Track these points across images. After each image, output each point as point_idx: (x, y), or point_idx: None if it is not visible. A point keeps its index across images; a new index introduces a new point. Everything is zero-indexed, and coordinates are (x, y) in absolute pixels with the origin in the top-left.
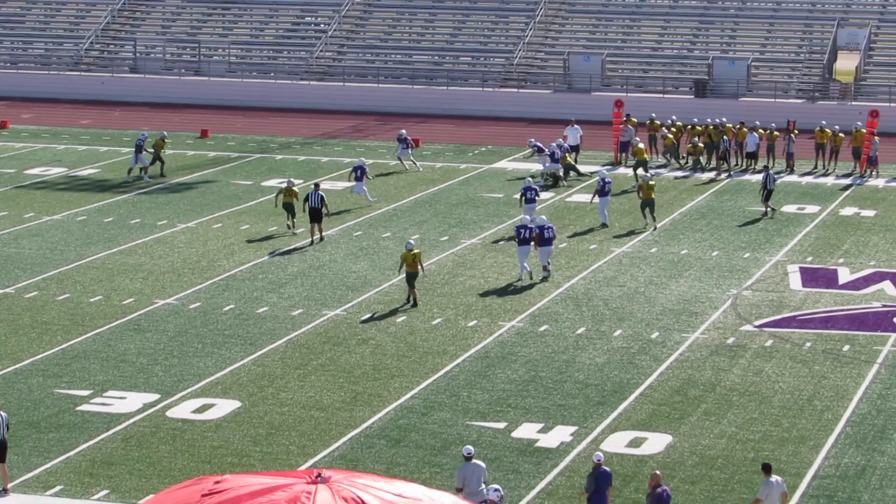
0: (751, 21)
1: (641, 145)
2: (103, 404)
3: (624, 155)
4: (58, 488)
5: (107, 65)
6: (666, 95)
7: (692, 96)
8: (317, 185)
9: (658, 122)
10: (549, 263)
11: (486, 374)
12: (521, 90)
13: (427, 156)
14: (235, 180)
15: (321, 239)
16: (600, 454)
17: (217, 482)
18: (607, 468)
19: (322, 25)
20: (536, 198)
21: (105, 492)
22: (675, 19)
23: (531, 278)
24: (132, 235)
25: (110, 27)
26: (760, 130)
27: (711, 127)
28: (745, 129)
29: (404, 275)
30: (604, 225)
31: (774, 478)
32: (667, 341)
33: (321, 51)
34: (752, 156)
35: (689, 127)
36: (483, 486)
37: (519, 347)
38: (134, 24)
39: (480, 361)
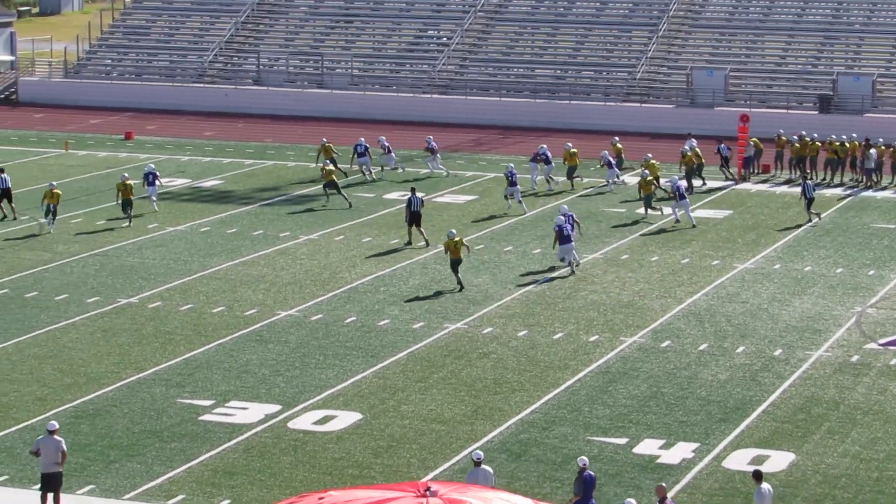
0: (876, 36)
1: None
2: (225, 414)
3: (748, 171)
4: (180, 497)
5: (230, 77)
6: (790, 111)
7: (816, 112)
8: (413, 190)
9: (784, 138)
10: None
11: (607, 390)
12: (643, 104)
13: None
14: (358, 193)
15: (427, 244)
16: (585, 458)
17: (321, 498)
18: (592, 472)
19: (444, 39)
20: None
21: (227, 501)
22: (799, 34)
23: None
24: (255, 247)
25: (234, 39)
26: (882, 147)
27: (837, 143)
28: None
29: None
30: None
31: (765, 486)
32: (790, 359)
33: (443, 64)
34: (871, 172)
35: (811, 142)
36: None
37: (641, 363)
38: (258, 36)
39: (602, 377)
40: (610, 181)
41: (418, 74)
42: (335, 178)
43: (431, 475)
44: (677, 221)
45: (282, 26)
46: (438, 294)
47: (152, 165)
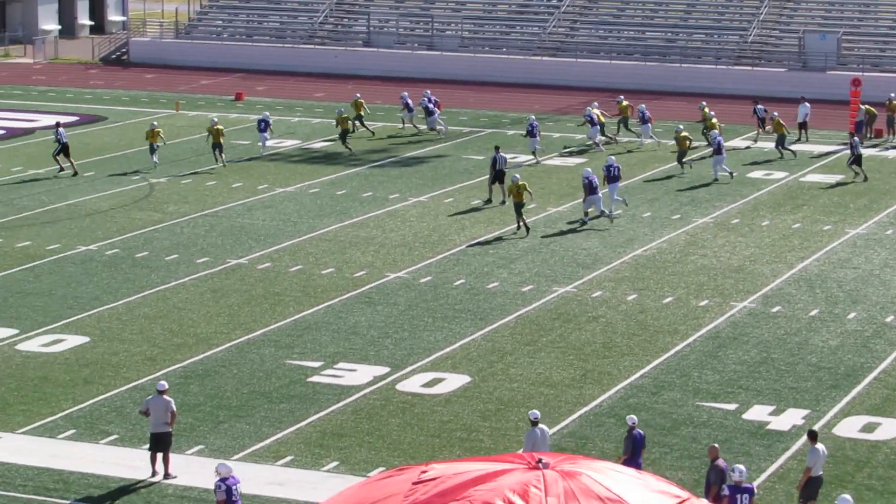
0: None
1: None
2: (334, 376)
3: (861, 134)
4: (288, 458)
5: (340, 38)
6: None
7: None
8: (497, 148)
9: None
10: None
11: (716, 355)
12: (755, 68)
13: (659, 133)
14: (467, 155)
15: (503, 202)
16: (634, 417)
17: (423, 471)
18: (641, 431)
19: (555, 1)
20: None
21: (335, 463)
22: None
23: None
24: (364, 208)
25: (345, 1)
26: None
27: None
28: None
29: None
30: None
31: (820, 445)
32: None
33: (553, 26)
34: None
35: None
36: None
37: (751, 328)
38: None
39: (711, 342)
40: (596, 140)
41: (528, 37)
42: (347, 128)
43: None
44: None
45: None
46: (547, 258)
47: (267, 113)
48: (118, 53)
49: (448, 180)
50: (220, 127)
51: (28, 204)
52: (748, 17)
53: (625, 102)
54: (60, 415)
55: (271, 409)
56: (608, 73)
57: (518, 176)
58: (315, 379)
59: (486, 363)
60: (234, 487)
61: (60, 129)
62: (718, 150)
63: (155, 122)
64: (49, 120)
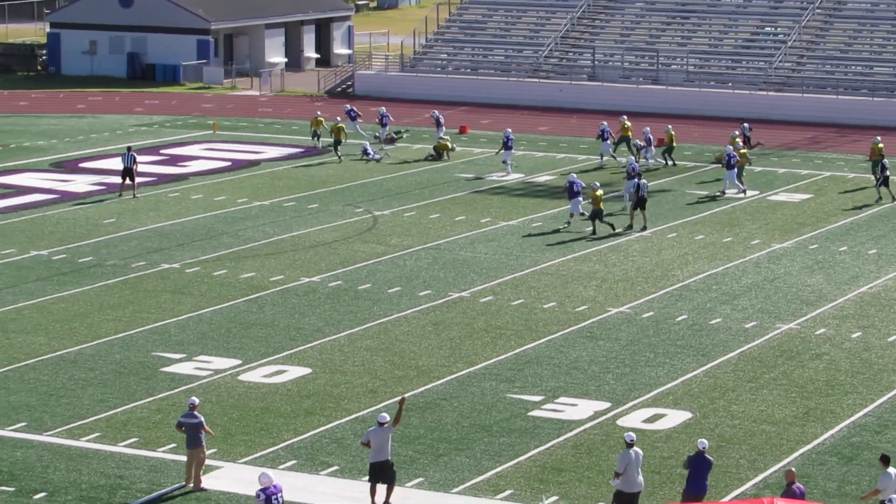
0: None
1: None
2: (554, 410)
3: None
4: (507, 493)
5: (565, 72)
6: None
7: None
8: (640, 175)
9: None
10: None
11: None
12: None
13: None
14: (691, 190)
15: (644, 228)
16: (704, 441)
17: None
18: (710, 457)
19: (781, 36)
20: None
21: (554, 498)
22: None
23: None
24: (587, 243)
25: (570, 35)
26: None
27: None
28: None
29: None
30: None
31: (892, 470)
32: None
33: (780, 61)
34: None
35: None
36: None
37: None
38: (593, 32)
39: None
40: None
41: (754, 71)
42: (340, 138)
43: (760, 477)
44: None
45: (618, 22)
46: (771, 294)
47: (384, 108)
48: (343, 86)
49: (671, 215)
50: (342, 126)
51: (253, 235)
52: None
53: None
54: (281, 445)
55: (491, 442)
56: (835, 108)
57: (598, 184)
58: (535, 413)
59: (708, 399)
60: (273, 497)
61: (130, 154)
62: None
63: (318, 113)
64: (275, 152)
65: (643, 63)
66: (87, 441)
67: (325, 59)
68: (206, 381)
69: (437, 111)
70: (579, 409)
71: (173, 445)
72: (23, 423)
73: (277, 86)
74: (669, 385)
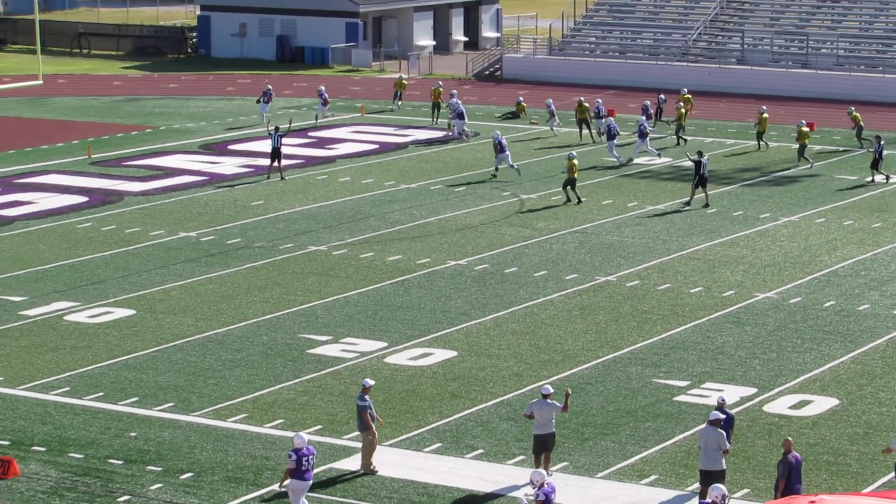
0: None
1: None
2: (700, 395)
3: None
4: (652, 478)
5: (714, 56)
6: None
7: None
8: (700, 153)
9: None
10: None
11: None
12: None
13: None
14: (840, 175)
15: (706, 205)
16: (790, 439)
17: (811, 501)
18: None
19: None
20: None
21: (696, 484)
22: None
23: None
24: (734, 227)
25: (719, 18)
26: None
27: None
28: None
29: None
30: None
31: None
32: None
33: None
34: None
35: None
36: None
37: None
38: (742, 15)
39: None
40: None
41: None
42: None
43: None
44: None
45: (767, 5)
46: None
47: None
48: (491, 69)
49: (820, 200)
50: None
51: (400, 218)
52: None
53: (855, 113)
54: (426, 428)
55: (637, 427)
56: None
57: (574, 153)
58: (681, 398)
59: (855, 386)
60: (305, 458)
61: (277, 134)
62: None
63: (402, 75)
64: (422, 135)
65: (792, 47)
66: (234, 422)
67: (473, 42)
68: (352, 364)
69: (583, 97)
70: (724, 394)
71: (319, 427)
72: (170, 404)
73: (425, 69)
74: (816, 371)
